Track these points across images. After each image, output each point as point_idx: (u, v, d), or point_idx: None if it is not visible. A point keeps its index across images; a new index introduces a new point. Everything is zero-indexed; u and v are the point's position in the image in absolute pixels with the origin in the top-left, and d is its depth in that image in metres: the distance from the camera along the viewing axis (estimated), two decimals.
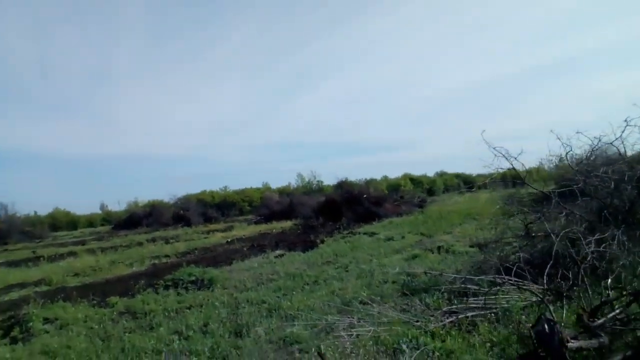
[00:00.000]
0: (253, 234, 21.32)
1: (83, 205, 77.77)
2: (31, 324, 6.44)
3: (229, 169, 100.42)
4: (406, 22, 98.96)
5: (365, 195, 22.61)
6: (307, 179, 60.33)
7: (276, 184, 64.05)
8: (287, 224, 26.76)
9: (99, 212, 68.48)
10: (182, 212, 39.01)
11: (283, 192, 57.44)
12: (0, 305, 9.06)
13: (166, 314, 6.64)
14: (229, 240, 19.15)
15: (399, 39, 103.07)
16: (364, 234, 15.66)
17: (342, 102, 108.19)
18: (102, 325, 6.37)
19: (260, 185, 63.76)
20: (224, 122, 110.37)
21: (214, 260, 12.66)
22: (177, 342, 5.14)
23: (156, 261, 13.92)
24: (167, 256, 14.91)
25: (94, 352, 5.00)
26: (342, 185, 24.10)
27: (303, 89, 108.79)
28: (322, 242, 13.84)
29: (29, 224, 41.47)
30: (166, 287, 8.89)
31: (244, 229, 25.92)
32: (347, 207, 21.89)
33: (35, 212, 45.02)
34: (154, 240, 23.57)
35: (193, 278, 9.30)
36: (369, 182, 41.95)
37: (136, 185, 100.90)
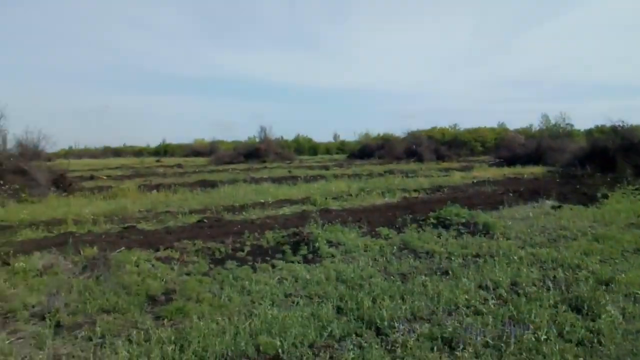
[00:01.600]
0: (498, 177, 19.43)
1: (319, 133, 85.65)
2: (317, 244, 6.47)
3: (458, 106, 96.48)
4: None
5: None
6: (553, 122, 53.26)
7: (513, 125, 58.63)
8: (536, 169, 23.81)
9: (333, 141, 74.71)
10: (414, 147, 38.92)
11: (522, 134, 51.85)
12: (277, 219, 9.83)
13: (455, 259, 5.87)
14: (475, 181, 17.80)
15: None
16: None
17: (592, 33, 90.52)
18: (385, 259, 6.00)
19: (495, 125, 59.36)
20: (454, 57, 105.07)
21: (468, 201, 11.55)
22: (492, 301, 4.27)
23: (406, 194, 13.59)
24: (415, 190, 14.48)
25: (397, 292, 4.51)
26: (617, 131, 19.76)
27: (544, 17, 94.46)
28: (605, 196, 11.32)
29: (279, 146, 47.04)
30: (434, 226, 8.22)
31: (485, 171, 24.08)
32: (624, 158, 17.91)
33: (282, 137, 50.21)
34: (391, 172, 23.78)
35: (463, 220, 8.41)
36: None
37: (366, 117, 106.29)
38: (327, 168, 29.17)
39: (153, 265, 5.76)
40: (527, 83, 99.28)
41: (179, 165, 33.88)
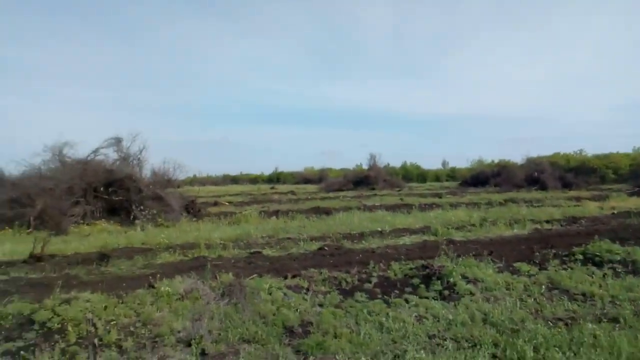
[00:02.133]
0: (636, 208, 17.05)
1: (426, 160, 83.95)
2: (451, 279, 5.99)
3: (580, 131, 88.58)
4: None
5: None
6: None
7: None
8: None
9: (441, 167, 72.38)
10: (536, 174, 36.11)
11: None
12: (399, 249, 9.46)
13: (624, 305, 5.04)
14: (615, 212, 15.82)
15: None
16: None
17: None
18: (534, 300, 5.35)
19: (629, 150, 53.06)
20: (571, 80, 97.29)
21: (613, 235, 10.14)
22: None
23: (537, 226, 12.42)
24: (547, 222, 13.19)
25: (563, 342, 3.92)
26: None
27: None
28: None
29: (388, 173, 46.56)
30: (582, 263, 7.27)
31: (624, 200, 21.40)
32: None
33: (388, 164, 49.45)
34: (513, 201, 22.17)
35: (617, 257, 7.34)
36: None
37: (475, 144, 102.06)
38: (439, 196, 28.10)
39: (285, 294, 5.73)
40: None
41: (292, 192, 35.00)
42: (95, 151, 17.25)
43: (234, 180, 74.84)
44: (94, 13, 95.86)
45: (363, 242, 10.48)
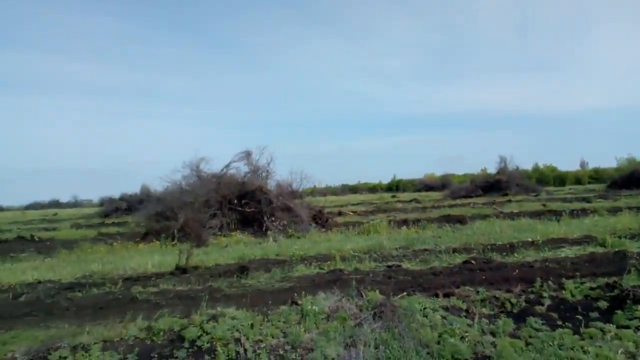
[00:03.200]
0: None
1: (561, 161, 76.16)
2: None
3: None
4: None
5: None
6: None
7: None
8: None
9: (580, 168, 64.95)
10: None
11: None
12: (561, 263, 8.11)
13: None
14: None
15: None
16: None
17: None
18: None
19: None
20: None
21: None
22: None
23: None
24: None
25: None
26: None
27: None
28: None
29: (521, 177, 42.79)
30: None
31: None
32: None
33: (518, 167, 45.55)
34: None
35: None
36: None
37: (619, 140, 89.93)
38: (588, 200, 24.91)
39: (444, 318, 4.96)
40: None
41: (416, 200, 33.79)
42: (228, 165, 18.10)
43: (353, 189, 75.29)
44: (220, 44, 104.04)
45: (515, 254, 9.23)
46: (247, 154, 18.17)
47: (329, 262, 9.23)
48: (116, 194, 40.85)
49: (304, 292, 6.20)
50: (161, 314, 5.40)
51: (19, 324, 5.74)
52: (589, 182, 58.17)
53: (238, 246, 12.65)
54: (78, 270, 10.06)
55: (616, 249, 8.94)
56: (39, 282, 8.71)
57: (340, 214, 23.52)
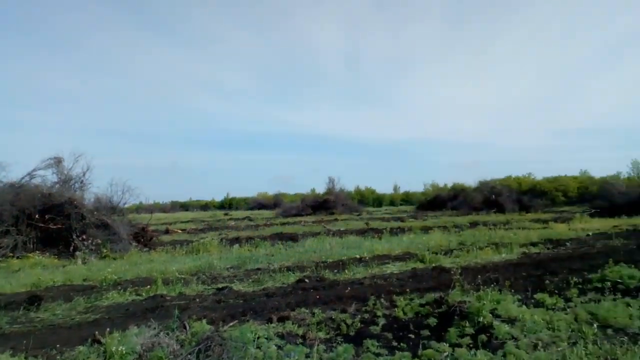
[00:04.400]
0: (611, 229, 16.83)
1: (378, 184, 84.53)
2: (482, 319, 4.84)
3: (524, 156, 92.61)
4: None
5: None
6: None
7: (598, 173, 54.25)
8: None
9: (393, 192, 72.68)
10: (493, 197, 36.39)
11: (609, 182, 47.74)
12: (388, 279, 8.33)
13: None
14: (590, 234, 15.46)
15: None
16: None
17: None
18: (597, 346, 4.26)
19: (576, 174, 55.15)
20: (512, 108, 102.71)
21: (607, 257, 9.50)
22: None
23: (524, 250, 11.66)
24: (532, 245, 12.51)
25: None
26: None
27: (606, 65, 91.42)
28: None
29: (346, 198, 45.69)
30: (611, 292, 6.35)
31: (587, 222, 21.43)
32: None
33: (343, 188, 48.70)
34: (475, 223, 21.77)
35: (634, 283, 6.52)
36: None
37: (425, 168, 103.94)
38: (402, 220, 27.44)
39: (280, 348, 4.39)
40: (594, 130, 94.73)
41: (249, 218, 33.34)
42: (31, 173, 15.18)
43: (184, 206, 71.89)
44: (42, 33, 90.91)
45: (346, 271, 9.25)
46: (57, 161, 15.52)
47: (148, 286, 8.01)
48: None
49: (111, 327, 5.07)
50: None
51: None
52: (401, 204, 65.15)
53: (34, 270, 10.40)
54: None
55: (434, 265, 9.59)
56: None
57: (168, 232, 21.74)
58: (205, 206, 72.34)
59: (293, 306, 6.31)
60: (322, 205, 39.88)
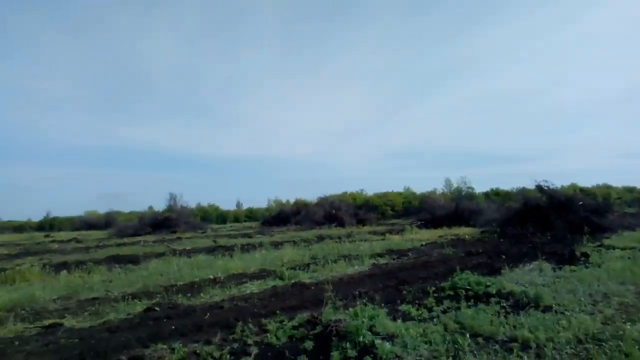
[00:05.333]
0: (439, 239, 18.88)
1: (219, 201, 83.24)
2: (362, 338, 4.63)
3: (355, 174, 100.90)
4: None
5: (581, 202, 18.93)
6: (455, 185, 56.83)
7: (419, 189, 61.16)
8: (466, 230, 23.98)
9: (235, 208, 72.13)
10: (334, 211, 38.24)
11: (428, 197, 54.20)
12: (250, 300, 7.83)
13: (562, 348, 4.45)
14: (424, 243, 17.02)
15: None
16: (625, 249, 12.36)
17: (458, 111, 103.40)
18: (473, 354, 4.36)
19: (400, 190, 61.36)
20: (342, 130, 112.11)
21: (450, 265, 10.49)
22: None
23: (373, 261, 12.18)
24: (379, 255, 13.18)
25: None
26: (544, 190, 20.52)
27: (419, 97, 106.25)
28: (585, 255, 10.88)
29: (188, 215, 43.63)
30: (466, 300, 6.74)
31: (417, 233, 23.74)
32: (556, 216, 18.41)
33: (186, 205, 46.86)
34: (321, 237, 22.53)
35: (490, 290, 7.10)
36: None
37: (265, 185, 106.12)
38: (249, 236, 27.05)
39: None
40: (407, 153, 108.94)
41: (77, 240, 29.42)
42: None
43: None
44: None
45: (201, 294, 8.45)
46: None
47: None
48: None
49: None
50: None
51: None
52: (245, 220, 64.76)
53: None
54: None
55: (293, 281, 9.35)
56: None
57: None
58: (19, 227, 62.27)
59: (145, 341, 5.39)
60: (163, 223, 37.31)
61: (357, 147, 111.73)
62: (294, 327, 5.40)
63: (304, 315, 5.76)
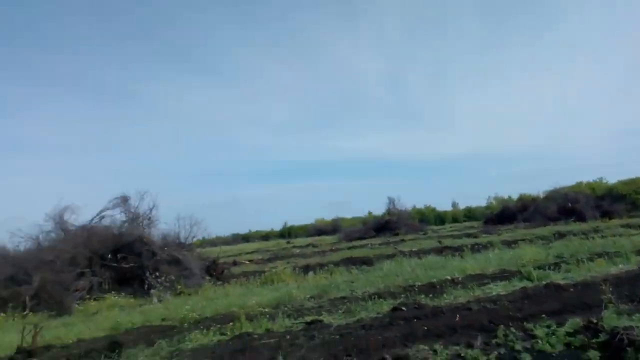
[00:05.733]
0: None
1: (434, 203, 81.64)
2: None
3: (580, 163, 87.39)
4: None
5: None
6: None
7: None
8: None
9: (451, 208, 69.71)
10: (570, 205, 33.77)
11: None
12: (498, 302, 7.22)
13: None
14: None
15: None
16: None
17: None
18: None
19: None
20: (565, 113, 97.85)
21: None
22: None
23: None
24: None
25: None
26: None
27: None
28: None
29: (407, 217, 44.08)
30: None
31: None
32: None
33: (405, 208, 47.08)
34: (560, 234, 19.95)
35: None
36: None
37: (479, 183, 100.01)
38: (474, 236, 25.75)
39: None
40: None
41: (313, 245, 32.66)
42: (100, 213, 15.27)
43: (245, 238, 72.46)
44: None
45: (444, 295, 8.21)
46: (124, 200, 15.55)
47: (231, 323, 7.33)
48: None
49: None
50: None
51: None
52: (464, 220, 62.33)
53: (112, 312, 10.08)
54: None
55: (544, 282, 8.35)
56: None
57: (235, 263, 21.35)
58: (265, 236, 72.61)
59: (402, 341, 5.38)
60: (385, 226, 38.67)
61: (586, 131, 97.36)
62: (568, 334, 4.67)
63: (577, 320, 4.96)
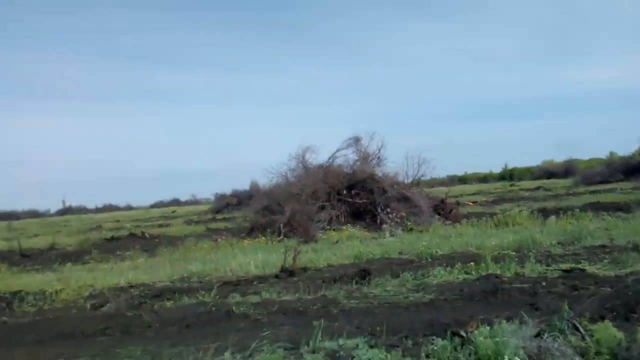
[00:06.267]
0: None
1: None
2: None
3: None
4: None
5: None
6: None
7: None
8: None
9: None
10: None
11: None
12: None
13: None
14: None
15: None
16: None
17: None
18: None
19: None
20: None
21: None
22: None
23: None
24: None
25: None
26: None
27: None
28: None
29: None
30: None
31: None
32: None
33: None
34: None
35: None
36: None
37: None
38: None
39: None
40: None
41: (544, 188, 29.65)
42: (335, 153, 16.49)
43: (462, 180, 70.27)
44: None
45: None
46: (356, 140, 16.38)
47: (472, 263, 7.01)
48: (228, 191, 40.59)
49: (453, 312, 4.26)
50: (258, 346, 3.69)
51: (85, 347, 4.43)
52: None
53: (351, 242, 10.87)
54: (176, 271, 8.95)
55: None
56: (131, 287, 7.64)
57: (459, 204, 20.83)
58: (483, 178, 69.11)
59: None
60: (637, 168, 32.48)
61: None
62: None
63: None
